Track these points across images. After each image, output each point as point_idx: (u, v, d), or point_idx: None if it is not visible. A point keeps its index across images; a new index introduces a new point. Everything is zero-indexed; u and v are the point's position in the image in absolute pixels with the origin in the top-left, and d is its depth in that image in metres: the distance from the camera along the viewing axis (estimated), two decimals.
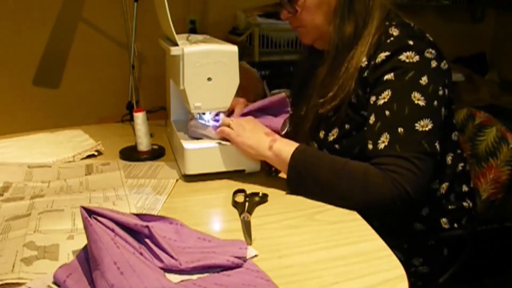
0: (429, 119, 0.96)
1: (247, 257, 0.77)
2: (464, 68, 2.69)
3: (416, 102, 0.97)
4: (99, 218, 0.72)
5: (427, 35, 1.05)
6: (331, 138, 1.11)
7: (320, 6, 1.08)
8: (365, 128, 1.04)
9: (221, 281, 0.70)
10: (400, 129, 0.96)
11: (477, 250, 1.21)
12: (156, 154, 1.24)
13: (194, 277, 0.72)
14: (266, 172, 1.12)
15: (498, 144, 1.23)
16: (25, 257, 0.74)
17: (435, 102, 0.98)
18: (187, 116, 1.24)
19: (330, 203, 0.97)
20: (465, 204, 1.15)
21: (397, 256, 0.79)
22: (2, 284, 0.68)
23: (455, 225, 1.14)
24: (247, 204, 0.96)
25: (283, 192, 1.02)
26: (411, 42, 1.00)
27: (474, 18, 3.00)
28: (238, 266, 0.74)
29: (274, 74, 2.22)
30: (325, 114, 1.11)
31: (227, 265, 0.74)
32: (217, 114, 1.16)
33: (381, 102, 1.00)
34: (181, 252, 0.76)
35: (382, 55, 1.01)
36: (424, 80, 0.98)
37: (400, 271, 0.75)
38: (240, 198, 0.99)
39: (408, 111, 0.97)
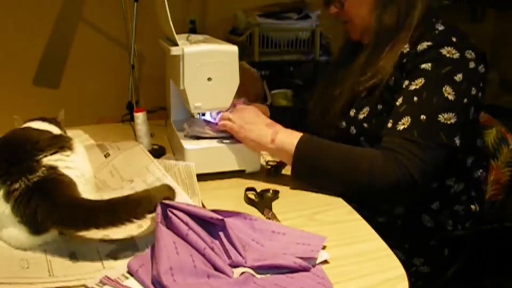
0: (454, 114, 0.97)
1: (318, 261, 0.75)
2: None
3: (446, 95, 0.98)
4: (174, 211, 0.73)
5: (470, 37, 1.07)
6: (361, 116, 1.12)
7: None
8: None
9: (281, 282, 0.70)
10: (422, 116, 0.97)
11: (477, 250, 1.21)
12: (156, 154, 1.24)
13: (257, 276, 0.72)
14: (266, 172, 1.12)
15: (498, 145, 1.23)
16: (110, 251, 0.76)
17: (465, 100, 0.99)
18: (187, 116, 1.24)
19: (337, 191, 0.98)
20: (472, 207, 1.16)
21: (398, 256, 0.79)
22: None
23: (459, 226, 1.14)
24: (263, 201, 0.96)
25: (283, 193, 1.02)
26: (454, 39, 1.02)
27: (474, 18, 3.00)
28: (305, 269, 0.73)
29: (274, 74, 2.21)
30: (359, 93, 1.13)
31: (293, 267, 0.73)
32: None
33: (412, 87, 1.01)
34: (252, 249, 0.76)
35: (425, 44, 1.03)
36: (459, 77, 0.99)
37: (400, 271, 0.75)
38: (251, 196, 0.99)
39: (435, 101, 0.98)
